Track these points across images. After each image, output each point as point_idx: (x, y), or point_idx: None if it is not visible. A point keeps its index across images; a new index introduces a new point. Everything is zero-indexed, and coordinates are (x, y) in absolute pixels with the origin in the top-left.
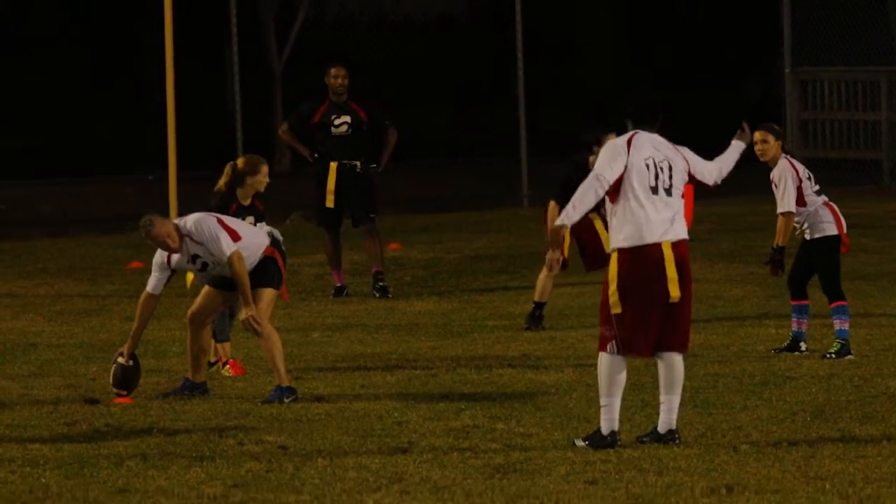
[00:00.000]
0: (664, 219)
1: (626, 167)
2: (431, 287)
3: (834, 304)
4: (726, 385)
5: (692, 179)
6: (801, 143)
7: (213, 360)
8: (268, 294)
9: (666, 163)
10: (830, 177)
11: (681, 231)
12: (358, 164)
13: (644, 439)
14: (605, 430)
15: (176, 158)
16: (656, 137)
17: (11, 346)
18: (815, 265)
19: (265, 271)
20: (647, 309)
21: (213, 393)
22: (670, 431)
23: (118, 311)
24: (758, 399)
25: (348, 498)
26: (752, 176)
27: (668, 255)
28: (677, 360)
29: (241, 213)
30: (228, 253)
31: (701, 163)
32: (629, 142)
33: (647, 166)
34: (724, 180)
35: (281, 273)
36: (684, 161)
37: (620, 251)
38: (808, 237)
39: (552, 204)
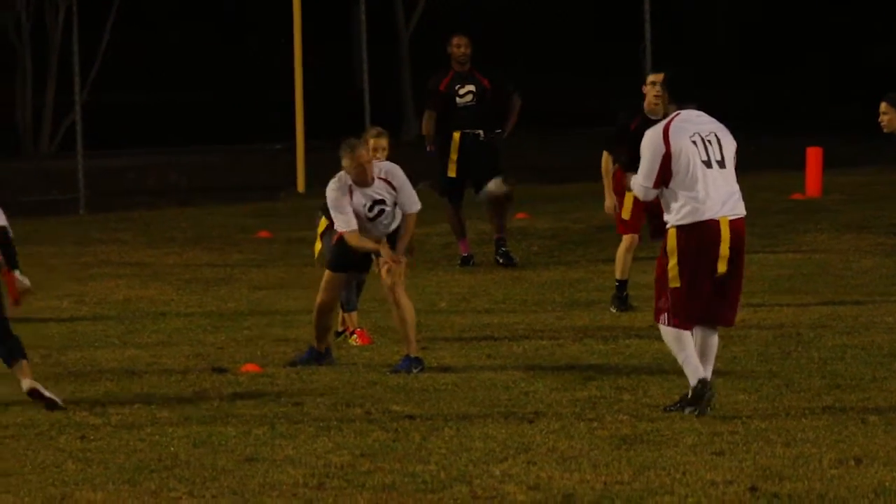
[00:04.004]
0: (721, 192)
1: (667, 157)
2: (558, 257)
3: None
4: (854, 356)
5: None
6: None
7: (340, 329)
8: (405, 262)
9: (713, 136)
10: None
11: (739, 208)
12: (481, 132)
13: (671, 409)
14: (693, 381)
15: (303, 128)
16: (700, 114)
17: (141, 314)
18: None
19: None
20: (701, 283)
21: (340, 362)
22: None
23: (246, 280)
24: (886, 370)
25: (475, 468)
26: (882, 145)
27: (725, 232)
28: (714, 335)
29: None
30: (419, 205)
31: None
32: (666, 130)
33: (695, 143)
34: (856, 147)
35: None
36: (731, 135)
37: (679, 228)
38: None
39: (605, 154)
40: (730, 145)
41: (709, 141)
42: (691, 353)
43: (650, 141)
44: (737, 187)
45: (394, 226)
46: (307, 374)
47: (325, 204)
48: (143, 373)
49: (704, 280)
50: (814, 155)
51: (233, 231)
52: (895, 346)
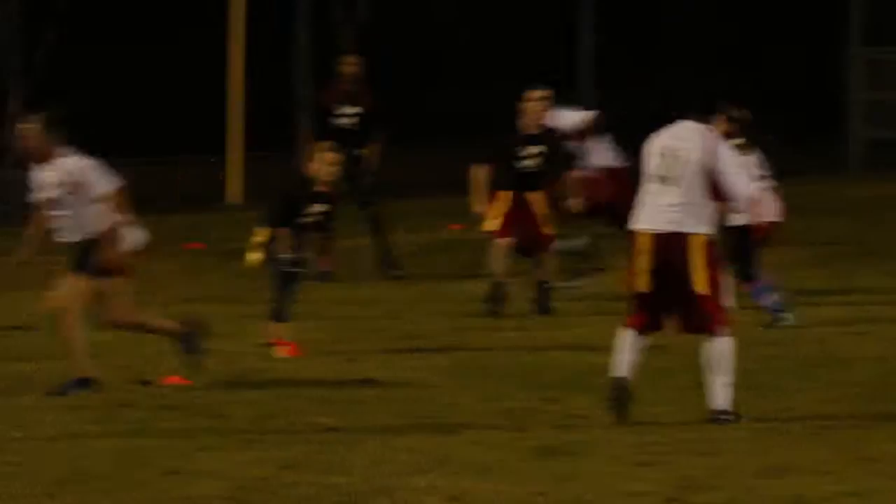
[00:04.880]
0: (656, 208)
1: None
2: (486, 268)
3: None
4: (779, 367)
5: (714, 184)
6: (867, 124)
7: (268, 341)
8: (84, 280)
9: (683, 151)
10: None
11: (678, 223)
12: (362, 152)
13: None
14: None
15: (241, 139)
16: (691, 126)
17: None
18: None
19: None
20: (646, 288)
21: (265, 375)
22: (712, 411)
23: (174, 291)
24: (811, 381)
25: (398, 479)
26: (811, 156)
27: (645, 244)
28: (712, 342)
29: (312, 198)
30: (112, 184)
31: (732, 174)
32: (650, 141)
33: (660, 155)
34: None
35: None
36: (710, 155)
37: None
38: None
39: (479, 167)
40: (694, 163)
41: (674, 157)
42: (622, 353)
43: None
44: (683, 203)
45: (70, 230)
46: (231, 387)
47: (264, 214)
48: None
49: (644, 287)
50: None
51: (165, 242)
52: (820, 357)
